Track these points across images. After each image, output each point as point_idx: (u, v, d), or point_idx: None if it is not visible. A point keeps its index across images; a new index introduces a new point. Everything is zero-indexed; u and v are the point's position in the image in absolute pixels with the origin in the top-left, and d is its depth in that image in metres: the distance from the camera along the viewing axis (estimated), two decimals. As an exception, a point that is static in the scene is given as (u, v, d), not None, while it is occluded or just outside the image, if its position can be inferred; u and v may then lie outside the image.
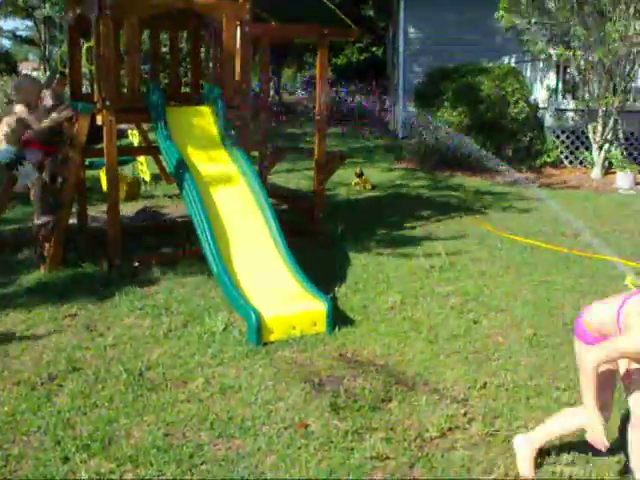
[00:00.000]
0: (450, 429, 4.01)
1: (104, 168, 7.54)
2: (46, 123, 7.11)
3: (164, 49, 13.88)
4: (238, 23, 7.15)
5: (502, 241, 8.27)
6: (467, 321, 5.67)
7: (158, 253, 7.37)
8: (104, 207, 7.73)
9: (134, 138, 12.45)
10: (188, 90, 9.19)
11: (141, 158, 11.77)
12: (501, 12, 13.79)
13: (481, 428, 4.01)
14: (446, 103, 13.98)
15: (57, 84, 7.82)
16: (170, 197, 10.65)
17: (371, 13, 29.31)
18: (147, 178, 11.65)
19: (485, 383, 4.56)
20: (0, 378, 4.60)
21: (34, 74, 17.57)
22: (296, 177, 12.61)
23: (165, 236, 8.13)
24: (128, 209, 9.54)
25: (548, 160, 14.33)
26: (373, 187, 12.01)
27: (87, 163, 8.82)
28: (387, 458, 3.71)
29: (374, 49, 29.11)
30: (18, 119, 7.05)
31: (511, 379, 4.62)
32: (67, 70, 7.60)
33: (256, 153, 8.38)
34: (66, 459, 3.68)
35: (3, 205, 7.68)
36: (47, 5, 21.49)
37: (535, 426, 3.78)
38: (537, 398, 4.38)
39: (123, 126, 11.73)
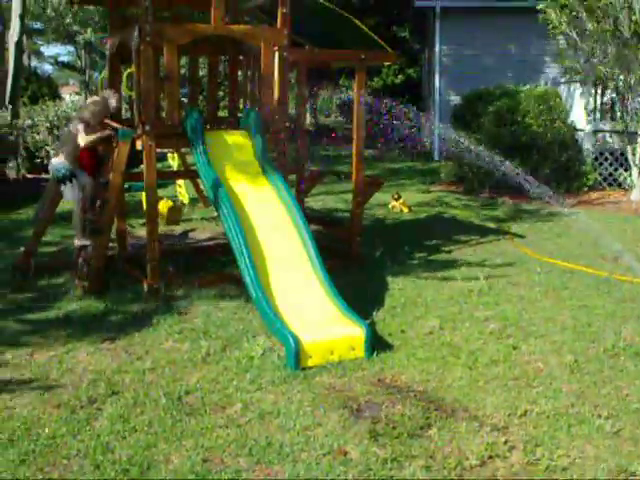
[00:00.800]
0: (490, 457, 3.96)
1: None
2: (88, 139, 7.20)
3: (201, 72, 14.02)
4: (276, 48, 7.21)
5: (541, 265, 8.18)
6: (506, 346, 5.61)
7: (196, 276, 7.41)
8: (144, 231, 7.80)
9: (173, 161, 12.58)
10: (225, 114, 9.25)
11: (180, 181, 11.89)
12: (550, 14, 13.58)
13: (522, 457, 3.96)
14: (483, 124, 13.93)
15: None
16: (207, 220, 10.72)
17: (406, 34, 29.35)
18: (186, 201, 11.75)
19: (525, 410, 4.50)
20: (41, 401, 4.64)
21: (75, 98, 17.80)
22: (332, 200, 12.63)
23: (203, 259, 8.17)
24: (167, 232, 9.61)
25: (586, 182, 14.19)
26: (410, 210, 11.98)
27: (126, 186, 8.91)
28: (427, 487, 3.68)
29: (410, 71, 29.10)
30: (73, 135, 7.19)
31: (552, 406, 4.56)
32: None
33: (293, 176, 8.41)
34: (106, 484, 3.70)
35: (46, 223, 7.77)
36: (89, 31, 21.82)
37: (577, 455, 3.72)
38: (579, 426, 4.31)
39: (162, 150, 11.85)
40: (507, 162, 12.75)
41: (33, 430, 4.24)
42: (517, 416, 4.43)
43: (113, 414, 4.44)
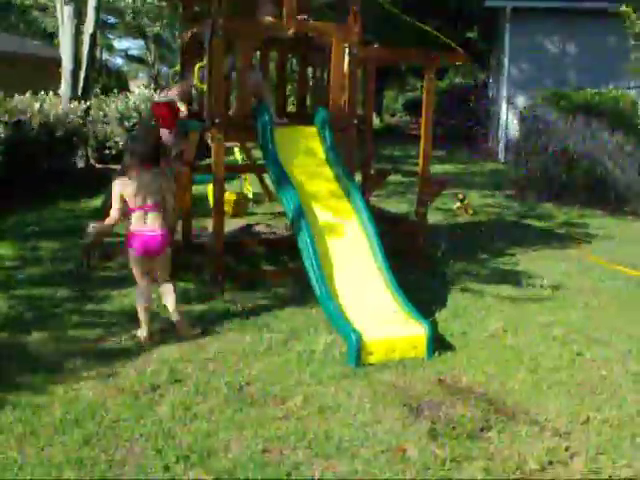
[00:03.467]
0: (551, 463, 3.92)
1: (211, 184, 7.69)
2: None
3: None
4: (347, 46, 7.22)
5: (607, 272, 8.05)
6: (570, 353, 5.53)
7: (261, 270, 7.46)
8: (209, 222, 7.89)
9: (238, 155, 12.67)
10: (293, 109, 9.30)
11: (246, 175, 11.99)
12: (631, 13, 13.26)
13: (584, 464, 3.91)
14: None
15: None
16: (272, 214, 10.79)
17: (473, 36, 29.12)
18: (250, 195, 11.85)
19: (588, 417, 4.44)
20: (105, 386, 4.74)
21: (144, 91, 18.08)
22: (397, 200, 12.60)
23: (268, 253, 8.23)
24: (232, 225, 9.70)
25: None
26: (474, 212, 11.88)
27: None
28: (486, 489, 3.66)
29: (477, 72, 28.91)
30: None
31: (616, 415, 4.49)
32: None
33: (359, 175, 8.40)
34: (167, 468, 3.77)
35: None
36: (158, 24, 22.19)
37: (641, 465, 3.67)
38: (644, 436, 4.24)
39: (229, 143, 11.94)
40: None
41: (97, 413, 4.35)
42: (579, 423, 4.38)
43: (175, 401, 4.52)
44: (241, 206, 10.94)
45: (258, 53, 8.79)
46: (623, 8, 13.17)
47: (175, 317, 5.69)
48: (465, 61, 8.46)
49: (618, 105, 13.72)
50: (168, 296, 5.70)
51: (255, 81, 7.62)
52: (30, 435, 4.07)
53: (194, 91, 8.11)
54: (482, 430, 4.25)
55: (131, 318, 6.01)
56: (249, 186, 11.93)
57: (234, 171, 11.44)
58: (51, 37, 34.05)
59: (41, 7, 29.84)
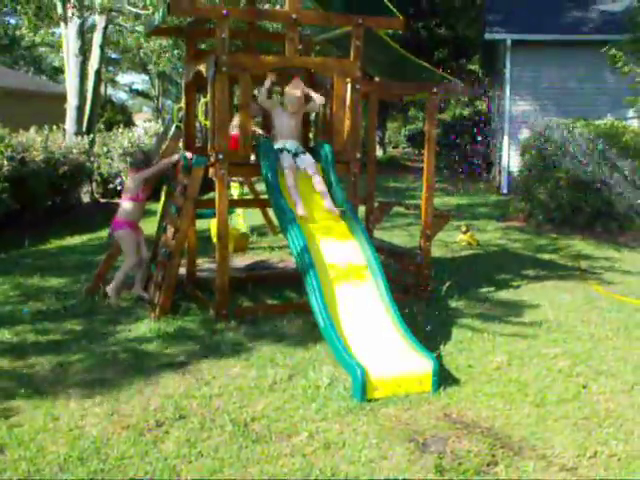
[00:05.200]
0: (559, 498, 3.89)
1: (214, 220, 7.72)
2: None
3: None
4: (348, 80, 7.28)
5: (611, 302, 8.03)
6: (576, 385, 5.50)
7: (265, 305, 7.46)
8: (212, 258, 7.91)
9: (235, 190, 12.67)
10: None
11: (239, 210, 11.97)
12: (619, 57, 13.41)
13: (591, 499, 3.88)
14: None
15: (172, 139, 8.07)
16: (275, 249, 10.80)
17: (475, 68, 29.38)
18: (244, 230, 11.82)
19: (595, 452, 4.41)
20: (110, 422, 4.73)
21: (147, 125, 18.25)
22: (398, 233, 12.62)
23: (271, 288, 8.24)
24: (236, 261, 9.72)
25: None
26: (478, 244, 11.89)
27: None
28: (493, 525, 3.63)
29: (478, 103, 29.05)
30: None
31: (623, 449, 4.45)
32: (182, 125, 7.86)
33: (362, 208, 8.43)
34: (172, 506, 3.75)
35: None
36: (161, 62, 22.47)
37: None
38: (652, 471, 4.20)
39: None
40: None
41: (102, 450, 4.33)
42: (587, 457, 4.34)
43: (180, 438, 4.50)
44: (244, 241, 10.94)
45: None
46: (613, 51, 13.34)
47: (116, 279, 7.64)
48: (466, 94, 8.52)
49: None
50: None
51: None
52: (35, 473, 4.05)
53: (198, 126, 8.21)
54: (489, 465, 4.22)
55: (135, 353, 6.02)
56: (241, 222, 11.91)
57: (238, 206, 11.46)
58: (56, 72, 34.40)
59: (48, 44, 30.15)
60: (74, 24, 15.72)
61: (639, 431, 4.71)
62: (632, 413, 5.01)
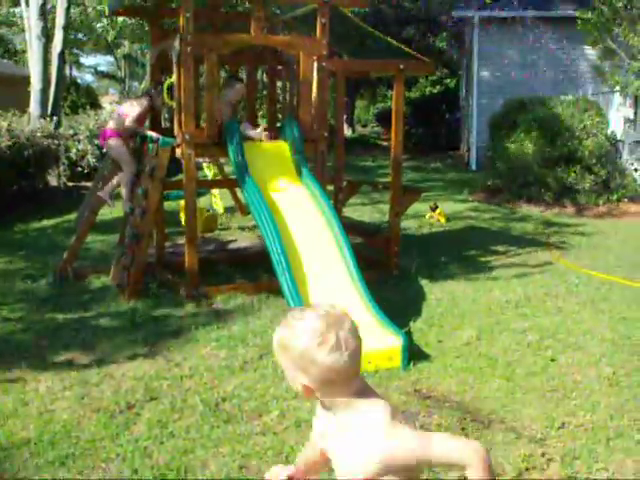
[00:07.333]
0: (527, 469, 3.94)
1: (184, 201, 7.68)
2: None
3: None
4: (315, 59, 7.25)
5: (579, 276, 8.11)
6: (544, 358, 5.57)
7: (235, 285, 7.45)
8: (181, 239, 7.88)
9: (209, 171, 12.67)
10: (263, 122, 9.31)
11: (215, 191, 11.96)
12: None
13: (560, 469, 3.93)
14: (521, 135, 13.77)
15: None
16: (245, 229, 10.79)
17: (444, 45, 29.34)
18: (221, 211, 11.83)
19: (563, 423, 4.47)
20: (80, 405, 4.71)
21: (114, 107, 18.06)
22: (369, 211, 12.64)
23: (241, 267, 8.22)
24: (207, 241, 9.70)
25: (625, 193, 13.94)
26: (447, 220, 11.94)
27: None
28: (463, 497, 3.66)
29: (447, 81, 29.01)
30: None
31: (590, 419, 4.52)
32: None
33: (331, 187, 8.43)
34: (144, 488, 3.75)
35: (86, 230, 7.91)
36: (127, 43, 22.17)
37: (616, 469, 3.69)
38: (618, 440, 4.26)
39: (198, 159, 11.91)
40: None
41: (73, 433, 4.31)
42: (555, 428, 4.40)
43: (151, 419, 4.49)
44: (212, 222, 10.91)
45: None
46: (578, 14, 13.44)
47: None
48: (433, 71, 8.52)
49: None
50: None
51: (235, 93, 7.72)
52: (5, 459, 4.03)
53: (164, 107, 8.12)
54: (458, 439, 4.25)
55: (106, 336, 6.00)
56: (219, 201, 11.90)
57: (206, 186, 11.42)
58: (16, 54, 33.88)
59: (9, 23, 29.64)
60: (35, 4, 15.47)
61: (605, 402, 4.78)
62: (598, 385, 5.08)
